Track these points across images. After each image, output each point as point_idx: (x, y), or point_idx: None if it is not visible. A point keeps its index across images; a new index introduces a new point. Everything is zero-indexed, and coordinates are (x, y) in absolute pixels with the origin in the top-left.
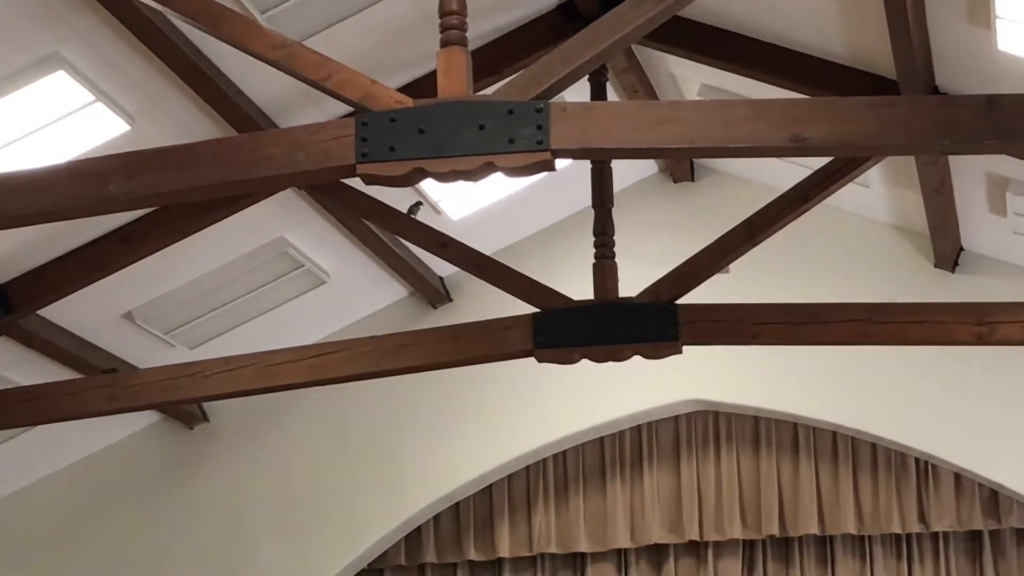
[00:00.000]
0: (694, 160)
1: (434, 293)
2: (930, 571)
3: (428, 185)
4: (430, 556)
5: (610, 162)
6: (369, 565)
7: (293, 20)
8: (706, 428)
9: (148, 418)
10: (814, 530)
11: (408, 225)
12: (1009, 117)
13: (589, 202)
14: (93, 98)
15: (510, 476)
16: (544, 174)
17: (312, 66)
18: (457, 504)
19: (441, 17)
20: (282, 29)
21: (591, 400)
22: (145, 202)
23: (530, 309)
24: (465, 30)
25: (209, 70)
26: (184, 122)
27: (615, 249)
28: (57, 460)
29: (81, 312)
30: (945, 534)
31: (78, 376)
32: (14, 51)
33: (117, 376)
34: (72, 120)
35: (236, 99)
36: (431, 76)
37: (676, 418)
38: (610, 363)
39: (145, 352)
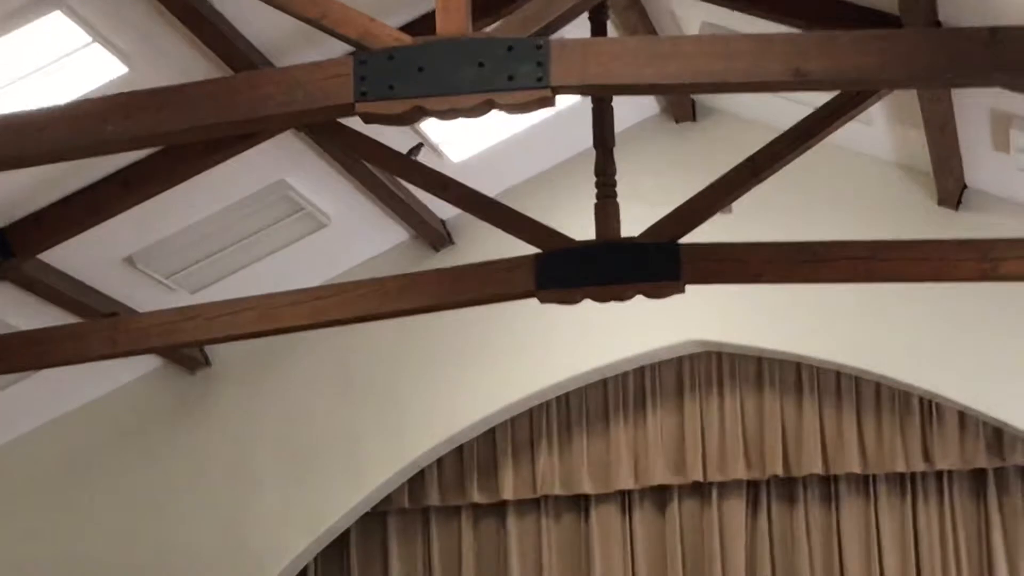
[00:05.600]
0: (695, 99)
1: (436, 236)
2: (934, 510)
3: (429, 127)
4: (434, 499)
5: (611, 101)
6: (373, 509)
7: None
8: (709, 369)
9: (149, 363)
10: (818, 470)
11: (409, 167)
12: (1012, 49)
13: (590, 143)
14: (90, 39)
15: (513, 419)
16: (545, 113)
17: (308, 4)
18: (460, 447)
19: None
20: None
21: (594, 342)
22: (143, 142)
23: (532, 250)
24: None
25: (205, 10)
26: (181, 64)
27: (617, 189)
28: (59, 406)
29: (82, 256)
30: (949, 472)
31: (80, 320)
32: None
33: (118, 320)
34: (69, 62)
35: (234, 40)
36: (430, 16)
37: (679, 359)
38: (613, 304)
39: (146, 296)
